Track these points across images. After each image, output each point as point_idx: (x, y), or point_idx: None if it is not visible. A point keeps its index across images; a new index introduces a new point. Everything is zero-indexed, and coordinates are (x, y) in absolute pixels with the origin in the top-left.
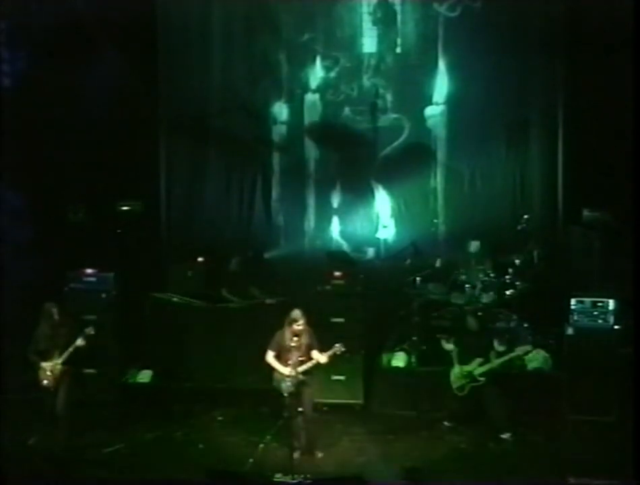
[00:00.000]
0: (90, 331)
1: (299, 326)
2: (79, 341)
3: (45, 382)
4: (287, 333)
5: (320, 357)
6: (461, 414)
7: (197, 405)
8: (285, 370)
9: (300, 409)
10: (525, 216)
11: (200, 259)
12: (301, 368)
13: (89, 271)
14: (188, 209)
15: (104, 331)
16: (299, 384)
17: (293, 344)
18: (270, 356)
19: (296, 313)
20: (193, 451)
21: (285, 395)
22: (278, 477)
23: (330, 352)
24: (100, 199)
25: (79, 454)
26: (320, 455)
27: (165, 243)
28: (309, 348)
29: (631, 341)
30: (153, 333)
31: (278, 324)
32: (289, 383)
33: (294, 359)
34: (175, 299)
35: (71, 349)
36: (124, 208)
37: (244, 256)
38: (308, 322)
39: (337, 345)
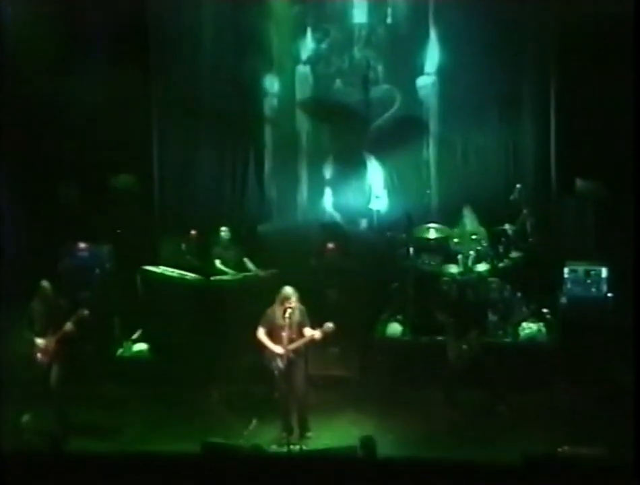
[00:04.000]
0: (84, 312)
1: (291, 304)
2: (73, 322)
3: (39, 358)
4: (278, 310)
5: (314, 333)
6: (457, 385)
7: (192, 380)
8: (276, 348)
9: (291, 387)
10: (518, 186)
11: (193, 232)
12: (292, 346)
13: (82, 245)
14: (181, 182)
15: (98, 305)
16: (290, 363)
17: (284, 322)
18: (261, 333)
19: (288, 291)
20: (188, 426)
21: (276, 373)
22: (273, 450)
23: (321, 330)
24: (92, 174)
25: (74, 430)
26: (310, 434)
27: (158, 217)
28: (301, 326)
29: (624, 310)
30: (147, 306)
31: (272, 297)
32: (280, 361)
33: (285, 337)
34: (168, 272)
35: (64, 329)
36: (117, 183)
37: (237, 229)
38: (301, 296)
39: (327, 324)
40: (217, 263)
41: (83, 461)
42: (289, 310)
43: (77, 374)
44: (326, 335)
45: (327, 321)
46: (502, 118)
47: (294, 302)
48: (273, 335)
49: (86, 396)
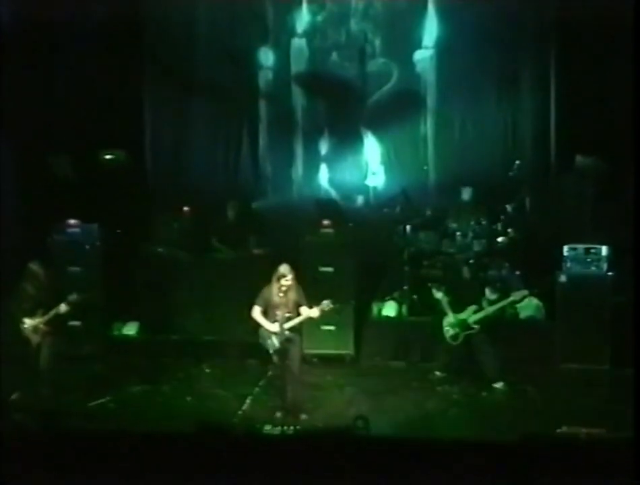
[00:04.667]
0: (74, 297)
1: (287, 281)
2: (62, 308)
3: (28, 338)
4: (274, 288)
5: (311, 312)
6: (453, 364)
7: (184, 358)
8: (272, 327)
9: (286, 366)
10: (517, 162)
11: (186, 209)
12: (288, 325)
13: (72, 222)
14: (174, 158)
15: (89, 283)
16: (285, 342)
17: (280, 300)
18: (256, 312)
19: (284, 268)
20: (180, 404)
21: (271, 352)
22: (267, 429)
23: (318, 308)
24: (84, 149)
25: (65, 408)
26: (304, 416)
27: (150, 193)
28: (297, 305)
29: (625, 288)
30: (139, 284)
31: (266, 275)
32: (275, 340)
33: (280, 315)
34: (161, 250)
35: (53, 312)
36: (109, 157)
37: (231, 205)
38: (297, 274)
39: (325, 301)
40: (211, 240)
41: (74, 440)
42: (284, 288)
43: (68, 354)
44: (323, 314)
45: (321, 300)
46: (502, 93)
47: (290, 279)
48: (269, 313)
49: (77, 373)
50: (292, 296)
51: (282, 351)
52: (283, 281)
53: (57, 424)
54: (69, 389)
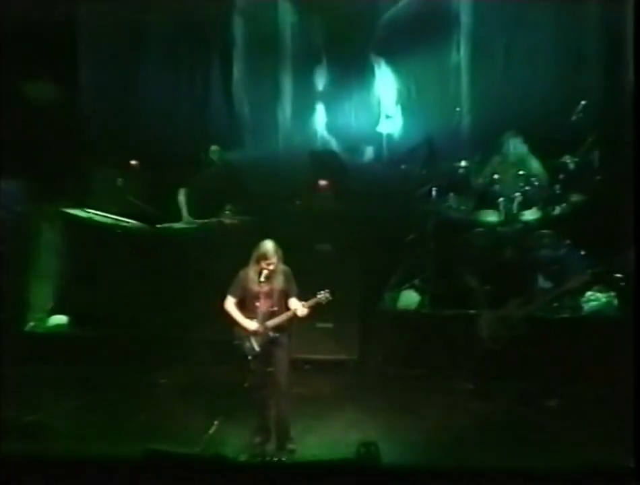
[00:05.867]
0: None
1: (271, 265)
2: None
3: None
4: (254, 273)
5: (298, 307)
6: (491, 374)
7: (132, 363)
8: (251, 325)
9: (269, 376)
10: (583, 102)
11: (134, 163)
12: (272, 322)
13: None
14: (118, 94)
15: (3, 261)
16: (268, 344)
17: (262, 289)
18: (230, 304)
19: (267, 247)
20: (127, 424)
21: (250, 358)
22: (242, 458)
23: (311, 302)
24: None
25: None
26: (292, 446)
27: (86, 141)
28: (285, 295)
29: None
30: (69, 264)
31: (243, 253)
32: (255, 342)
33: (263, 309)
34: (99, 217)
35: None
36: (33, 93)
37: (195, 158)
38: (284, 252)
39: (321, 292)
40: (168, 205)
41: None
42: (268, 273)
43: None
44: (313, 309)
45: (316, 289)
46: (561, 9)
47: (274, 262)
48: (248, 306)
49: None
50: (278, 283)
51: (264, 357)
52: (265, 264)
53: None
54: None
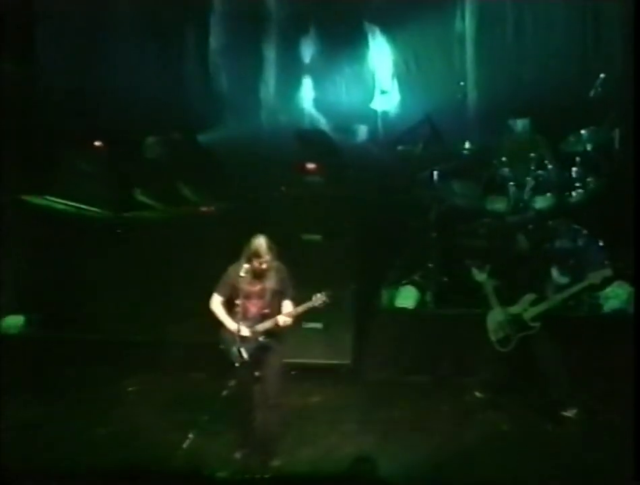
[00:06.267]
0: None
1: (263, 263)
2: None
3: None
4: (245, 271)
5: (283, 314)
6: (502, 380)
7: (96, 369)
8: (239, 328)
9: (257, 386)
10: (602, 75)
11: (99, 144)
12: (261, 326)
13: None
14: (82, 68)
15: None
16: (259, 351)
17: (253, 289)
18: (216, 303)
19: (259, 243)
20: (90, 437)
21: (237, 364)
22: (221, 475)
23: (305, 306)
24: None
25: None
26: (277, 463)
27: (46, 124)
28: (279, 296)
29: None
30: (27, 257)
31: (223, 244)
32: (243, 348)
33: (253, 311)
34: (59, 204)
35: None
36: None
37: (168, 139)
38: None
39: (317, 295)
40: (137, 192)
41: None
42: (259, 272)
43: None
44: (297, 315)
45: (305, 284)
46: None
47: (268, 260)
48: (237, 307)
49: None
50: (271, 283)
51: (254, 365)
52: (257, 263)
53: None
54: None
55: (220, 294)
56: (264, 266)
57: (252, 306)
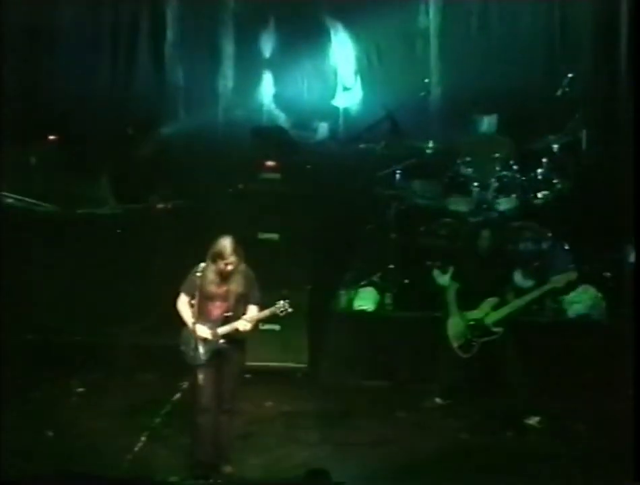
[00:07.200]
0: None
1: (228, 265)
2: None
3: None
4: (211, 272)
5: (243, 318)
6: (462, 387)
7: (43, 369)
8: (200, 329)
9: (213, 389)
10: (570, 75)
11: (52, 138)
12: (222, 330)
13: None
14: (34, 62)
15: None
16: (217, 354)
17: (218, 291)
18: (183, 303)
19: (224, 244)
20: (37, 441)
21: (196, 365)
22: (173, 480)
23: (266, 312)
24: None
25: None
26: (229, 470)
27: None
28: (244, 300)
29: None
30: None
31: (176, 242)
32: (202, 350)
33: (216, 313)
34: (10, 200)
35: None
36: None
37: (121, 133)
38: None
39: (281, 302)
40: (90, 186)
41: None
42: (225, 274)
43: None
44: (257, 321)
45: (262, 285)
46: None
47: (232, 261)
48: (202, 307)
49: None
50: (236, 286)
51: (211, 368)
52: (222, 264)
53: None
54: None
55: (186, 293)
56: (228, 268)
57: (215, 308)
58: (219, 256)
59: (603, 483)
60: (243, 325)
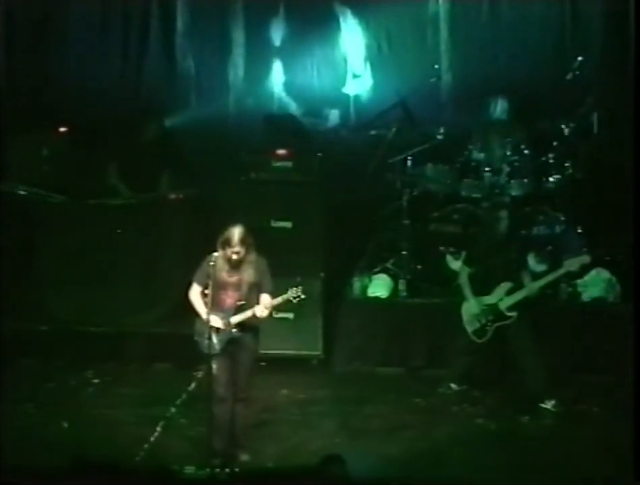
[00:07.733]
0: None
1: (236, 253)
2: None
3: None
4: (222, 260)
5: (260, 305)
6: (477, 372)
7: (58, 360)
8: (213, 319)
9: (228, 379)
10: (579, 58)
11: (63, 129)
12: (235, 319)
13: None
14: (41, 49)
15: None
16: (230, 344)
17: (230, 279)
18: (195, 293)
19: (231, 233)
20: (52, 432)
21: (209, 356)
22: (189, 471)
23: (281, 298)
24: None
25: None
26: (245, 458)
27: (4, 103)
28: (257, 289)
29: None
30: None
31: (188, 231)
32: (215, 340)
33: (229, 303)
34: (22, 191)
35: None
36: None
37: (133, 123)
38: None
39: (293, 289)
40: (102, 177)
41: None
42: (235, 262)
43: None
44: (273, 307)
45: (275, 272)
46: None
47: (239, 250)
48: (215, 297)
49: None
50: (248, 275)
51: (225, 358)
52: (230, 253)
53: None
54: None
55: (198, 283)
56: (234, 256)
57: (228, 298)
58: (227, 243)
59: (615, 466)
60: (261, 310)
